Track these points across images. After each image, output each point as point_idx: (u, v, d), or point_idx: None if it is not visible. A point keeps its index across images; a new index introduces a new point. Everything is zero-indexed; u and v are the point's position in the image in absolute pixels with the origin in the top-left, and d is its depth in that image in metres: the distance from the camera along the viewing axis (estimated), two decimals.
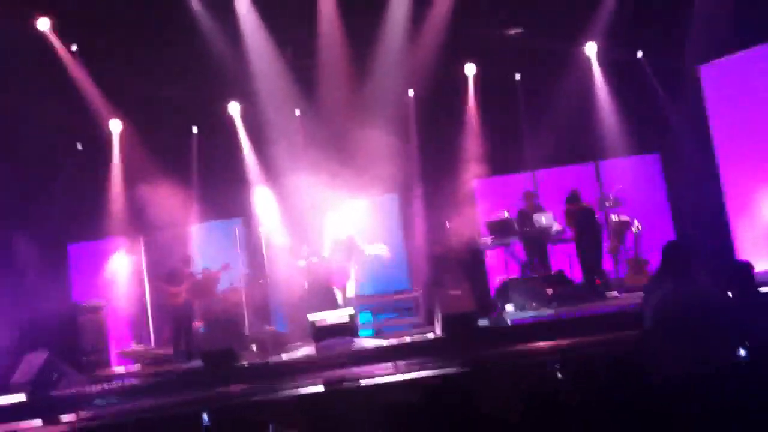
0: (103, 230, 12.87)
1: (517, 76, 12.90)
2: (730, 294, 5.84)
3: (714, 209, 11.21)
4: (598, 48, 12.46)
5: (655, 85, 12.09)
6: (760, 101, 10.86)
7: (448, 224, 11.32)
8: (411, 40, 11.89)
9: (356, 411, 5.57)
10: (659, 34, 11.76)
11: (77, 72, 12.08)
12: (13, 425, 7.84)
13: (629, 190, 11.25)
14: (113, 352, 11.99)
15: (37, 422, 7.94)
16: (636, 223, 10.84)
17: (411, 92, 13.00)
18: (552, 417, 3.73)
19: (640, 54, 12.43)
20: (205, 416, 6.35)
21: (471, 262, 10.75)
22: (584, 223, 10.33)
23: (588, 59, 12.59)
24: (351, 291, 10.34)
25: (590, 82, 12.58)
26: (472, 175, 12.41)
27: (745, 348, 4.53)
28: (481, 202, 12.36)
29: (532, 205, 11.02)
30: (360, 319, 10.46)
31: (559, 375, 4.36)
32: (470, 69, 12.86)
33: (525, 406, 3.94)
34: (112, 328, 12.27)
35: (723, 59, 11.35)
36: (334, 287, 10.57)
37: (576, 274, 10.74)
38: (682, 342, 5.23)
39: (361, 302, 10.72)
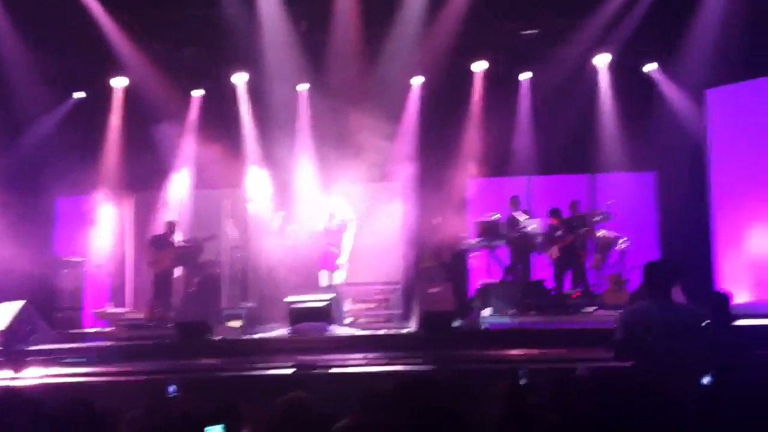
0: (93, 186, 12.80)
1: (524, 78, 12.84)
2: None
3: (700, 236, 11.21)
4: (610, 59, 12.40)
5: (662, 103, 12.04)
6: (761, 133, 10.85)
7: (433, 221, 11.28)
8: (425, 27, 11.79)
9: (325, 397, 5.60)
10: (671, 53, 11.71)
11: (89, 20, 11.88)
12: None
13: (621, 206, 11.24)
14: (88, 311, 11.94)
15: (8, 374, 7.92)
16: (622, 240, 10.85)
17: (418, 80, 12.89)
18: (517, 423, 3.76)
19: (649, 69, 12.36)
20: (171, 387, 6.35)
21: (453, 263, 10.74)
22: (564, 239, 10.41)
23: (596, 70, 12.55)
24: (340, 277, 10.25)
25: (596, 93, 12.55)
26: (468, 174, 12.37)
27: (709, 376, 4.55)
28: (473, 202, 12.29)
29: (518, 211, 11.04)
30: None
31: (523, 381, 4.39)
32: (479, 65, 12.79)
33: (493, 410, 3.98)
34: (90, 287, 12.22)
35: (731, 86, 11.33)
36: (323, 269, 10.51)
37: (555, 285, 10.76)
38: (649, 357, 5.26)
39: (346, 289, 10.64)
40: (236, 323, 10.32)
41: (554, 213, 10.81)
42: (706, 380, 4.52)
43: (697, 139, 11.58)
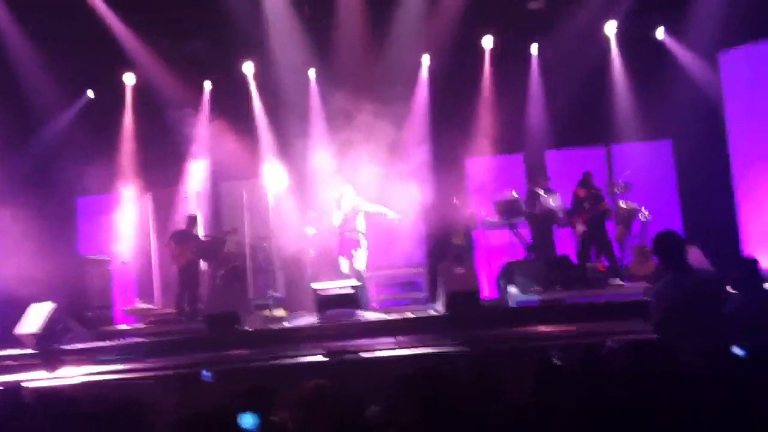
0: (112, 184, 12.90)
1: (534, 51, 12.78)
2: (732, 289, 5.88)
3: (723, 201, 11.15)
4: (619, 26, 12.28)
5: (674, 69, 11.92)
6: None
7: (455, 200, 11.28)
8: (431, 5, 11.73)
9: (356, 382, 5.65)
10: (681, 17, 11.60)
11: (95, 18, 11.92)
12: (19, 376, 7.91)
13: (640, 176, 11.19)
14: (117, 309, 12.07)
15: (43, 374, 8.05)
16: (644, 210, 10.81)
17: (426, 59, 12.85)
18: (551, 404, 3.78)
19: (660, 34, 12.26)
20: (205, 372, 6.45)
21: (465, 245, 10.78)
22: (591, 211, 10.35)
23: (607, 39, 12.45)
24: (361, 262, 10.27)
25: (607, 62, 12.45)
26: (482, 152, 12.35)
27: (742, 346, 4.55)
28: (489, 179, 12.25)
29: (541, 185, 10.98)
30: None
31: (557, 361, 4.40)
32: (488, 41, 12.73)
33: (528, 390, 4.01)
34: (118, 284, 12.35)
35: (743, 47, 11.22)
36: (342, 256, 10.56)
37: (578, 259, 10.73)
38: (684, 334, 5.28)
39: (370, 274, 10.68)
40: (281, 311, 10.40)
41: (584, 183, 10.63)
42: (737, 350, 4.53)
43: (713, 103, 11.48)
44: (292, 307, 10.73)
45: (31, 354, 8.76)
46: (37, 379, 7.83)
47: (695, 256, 8.27)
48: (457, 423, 3.68)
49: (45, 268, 10.62)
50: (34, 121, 12.53)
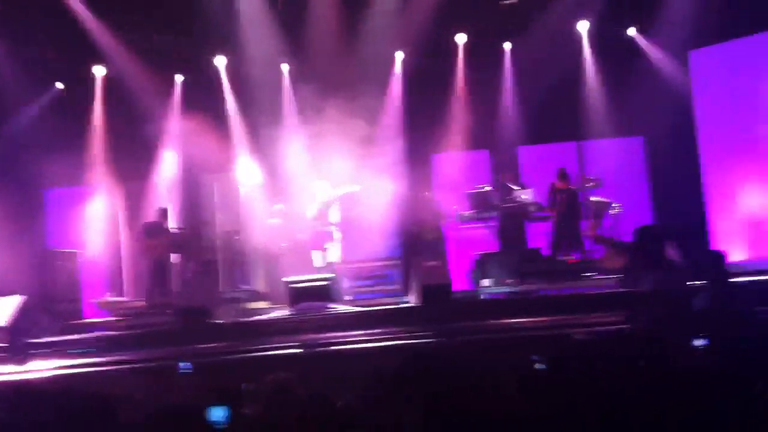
0: (81, 177, 12.76)
1: (506, 48, 12.85)
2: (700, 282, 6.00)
3: (693, 196, 11.32)
4: (592, 25, 12.43)
5: (645, 67, 12.07)
6: (747, 92, 10.93)
7: (426, 195, 11.34)
8: (404, 2, 11.76)
9: (331, 374, 5.65)
10: (653, 15, 11.74)
11: (65, 8, 11.76)
12: None
13: (611, 171, 11.32)
14: (87, 302, 11.93)
15: (11, 368, 7.93)
16: (615, 205, 10.94)
17: (400, 56, 12.86)
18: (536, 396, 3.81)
19: (632, 33, 12.40)
20: (182, 364, 6.42)
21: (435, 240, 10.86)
22: (568, 202, 10.45)
23: (579, 36, 12.57)
24: (335, 255, 10.26)
25: (580, 60, 12.58)
26: (453, 147, 12.43)
27: (702, 338, 4.63)
28: (462, 174, 12.30)
29: (512, 180, 11.08)
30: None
31: (538, 366, 4.37)
32: (461, 38, 12.78)
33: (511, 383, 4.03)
34: (87, 278, 12.20)
35: (714, 46, 11.39)
36: (315, 249, 10.54)
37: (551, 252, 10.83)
38: (654, 325, 5.37)
39: (343, 267, 10.67)
40: (255, 304, 10.35)
41: (562, 175, 10.75)
42: (698, 342, 4.60)
43: (684, 102, 11.64)
44: (264, 300, 10.68)
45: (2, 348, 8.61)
46: (4, 372, 7.72)
47: (671, 251, 8.40)
48: (437, 418, 3.70)
49: (12, 262, 10.49)
50: (2, 113, 12.34)
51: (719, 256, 6.71)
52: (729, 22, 10.82)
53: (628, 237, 10.43)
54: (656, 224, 11.25)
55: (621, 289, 8.22)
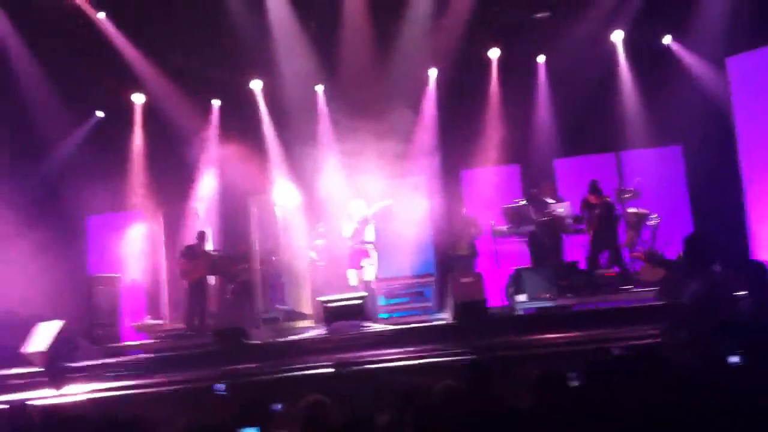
0: (122, 203, 13.02)
1: (540, 61, 12.76)
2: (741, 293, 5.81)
3: (733, 205, 11.05)
4: (626, 34, 12.28)
5: (682, 75, 11.85)
6: None
7: (463, 211, 11.27)
8: (436, 19, 11.76)
9: (365, 393, 5.60)
10: (689, 23, 11.55)
11: (103, 39, 12.03)
12: (26, 394, 7.92)
13: (649, 182, 11.11)
14: (126, 325, 12.08)
15: (53, 393, 8.05)
16: (654, 216, 10.73)
17: (433, 73, 12.86)
18: (568, 412, 3.72)
19: (667, 41, 12.22)
20: (218, 386, 6.44)
21: (469, 256, 10.77)
22: (604, 215, 10.29)
23: (614, 46, 12.42)
24: (370, 274, 10.25)
25: (615, 69, 12.42)
26: (487, 163, 12.35)
27: (738, 354, 4.48)
28: (499, 189, 12.20)
29: (549, 194, 10.95)
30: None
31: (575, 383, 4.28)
32: (494, 53, 12.74)
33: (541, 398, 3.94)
34: (126, 301, 12.37)
35: (752, 52, 11.16)
36: (351, 269, 10.53)
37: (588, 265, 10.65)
38: (692, 339, 5.21)
39: (379, 285, 10.64)
40: (292, 324, 10.34)
41: (593, 190, 10.59)
42: (733, 359, 4.46)
43: (722, 109, 11.40)
44: (300, 319, 10.69)
45: (38, 372, 8.75)
46: (43, 397, 7.84)
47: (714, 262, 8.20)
48: None
49: (53, 287, 10.68)
50: (44, 142, 12.65)
51: (762, 266, 6.49)
52: (765, 27, 10.58)
53: (666, 248, 10.24)
54: (706, 233, 10.98)
55: (659, 302, 8.05)
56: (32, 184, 12.12)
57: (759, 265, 6.50)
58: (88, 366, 8.83)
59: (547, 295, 9.35)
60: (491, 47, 12.72)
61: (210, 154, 13.12)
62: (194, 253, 11.33)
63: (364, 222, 10.31)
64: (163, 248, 13.23)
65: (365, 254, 10.27)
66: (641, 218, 10.66)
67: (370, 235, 10.32)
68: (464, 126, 12.45)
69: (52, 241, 11.36)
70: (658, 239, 10.55)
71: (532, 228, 10.75)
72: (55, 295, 10.55)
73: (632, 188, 10.82)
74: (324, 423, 4.02)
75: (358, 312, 9.24)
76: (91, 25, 11.90)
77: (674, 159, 12.26)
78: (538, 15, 12.20)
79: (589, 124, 11.91)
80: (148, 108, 13.30)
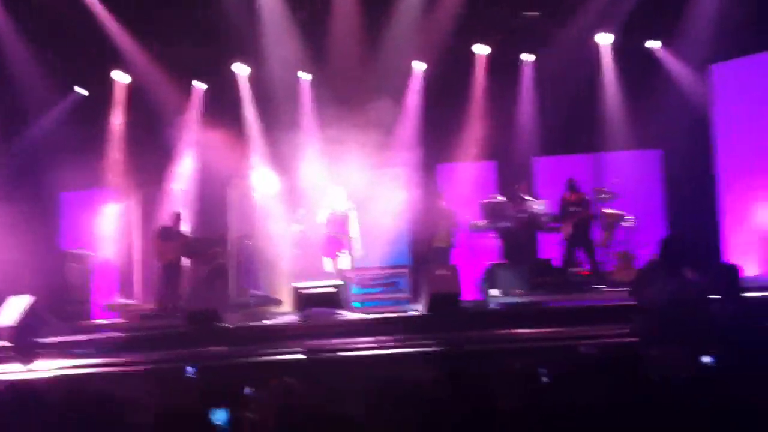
0: (99, 181, 12.86)
1: (526, 59, 12.79)
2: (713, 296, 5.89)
3: (708, 211, 11.19)
4: (614, 38, 12.32)
5: (666, 81, 11.93)
6: (766, 106, 10.80)
7: (441, 204, 11.27)
8: (425, 12, 11.74)
9: (336, 381, 5.60)
10: (673, 29, 11.62)
11: (88, 16, 11.85)
12: None
13: (626, 184, 11.20)
14: (97, 304, 11.98)
15: (19, 367, 7.96)
16: (629, 218, 10.82)
17: (420, 66, 12.86)
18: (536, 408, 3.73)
19: (654, 46, 12.28)
20: (189, 369, 6.41)
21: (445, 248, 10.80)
22: (580, 213, 10.36)
23: (599, 49, 12.46)
24: (346, 262, 10.24)
25: (599, 72, 12.47)
26: (464, 158, 12.37)
27: (710, 355, 4.54)
28: (478, 185, 12.22)
29: (525, 191, 11.01)
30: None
31: (545, 379, 4.30)
32: (481, 49, 12.74)
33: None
34: (98, 280, 12.26)
35: (735, 60, 11.27)
36: (325, 256, 10.52)
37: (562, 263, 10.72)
38: (664, 340, 5.26)
39: (353, 274, 10.64)
40: (266, 309, 10.35)
41: (571, 187, 10.68)
42: (706, 359, 4.52)
43: (702, 116, 11.51)
44: (273, 305, 10.66)
45: (6, 347, 8.65)
46: (10, 372, 7.76)
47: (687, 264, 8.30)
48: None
49: (25, 261, 10.54)
50: (23, 117, 12.47)
51: (734, 270, 6.58)
52: (750, 36, 10.68)
53: (639, 249, 10.33)
54: (682, 235, 11.08)
55: (631, 302, 8.11)
56: (8, 157, 11.95)
57: (732, 267, 6.60)
58: (57, 342, 8.75)
59: (520, 291, 9.43)
60: (478, 43, 12.71)
61: (191, 136, 13.00)
62: (169, 234, 11.26)
63: (344, 214, 10.36)
64: (140, 228, 13.11)
65: (341, 244, 10.29)
66: (616, 219, 10.75)
67: (354, 230, 10.39)
68: (446, 120, 12.47)
69: (25, 216, 11.22)
70: (632, 241, 10.65)
71: (509, 224, 10.79)
72: (25, 269, 10.41)
73: (609, 189, 10.90)
74: (294, 406, 4.01)
75: (332, 300, 9.23)
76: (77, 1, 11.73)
77: (652, 163, 12.36)
78: (527, 14, 12.21)
79: (571, 124, 11.94)
80: (130, 87, 13.14)
